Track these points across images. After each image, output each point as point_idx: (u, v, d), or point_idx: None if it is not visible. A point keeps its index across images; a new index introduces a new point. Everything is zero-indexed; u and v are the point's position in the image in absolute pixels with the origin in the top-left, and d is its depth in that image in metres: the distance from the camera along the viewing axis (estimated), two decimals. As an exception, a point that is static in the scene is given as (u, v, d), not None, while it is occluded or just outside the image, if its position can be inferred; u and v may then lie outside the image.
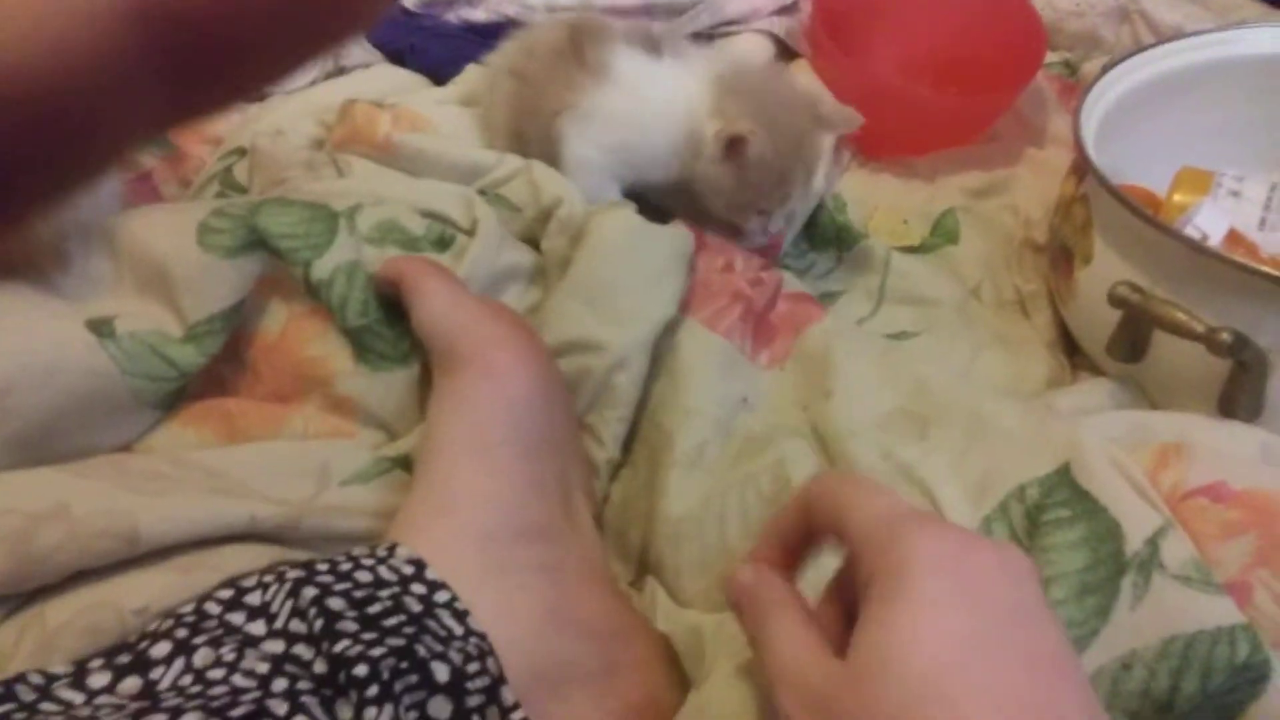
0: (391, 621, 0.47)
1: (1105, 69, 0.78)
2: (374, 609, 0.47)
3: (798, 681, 0.40)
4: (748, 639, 0.46)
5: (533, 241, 0.74)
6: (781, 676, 0.41)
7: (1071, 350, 0.77)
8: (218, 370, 0.62)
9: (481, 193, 0.74)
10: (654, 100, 0.74)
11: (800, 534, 0.47)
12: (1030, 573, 0.41)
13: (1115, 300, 0.63)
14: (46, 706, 0.43)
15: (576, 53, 0.74)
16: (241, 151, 0.81)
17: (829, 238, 0.84)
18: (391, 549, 0.51)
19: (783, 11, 0.98)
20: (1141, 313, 0.62)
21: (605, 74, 0.73)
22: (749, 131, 0.69)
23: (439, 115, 0.83)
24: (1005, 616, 0.38)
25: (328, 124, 0.83)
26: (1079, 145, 0.70)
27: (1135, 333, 0.65)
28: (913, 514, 0.41)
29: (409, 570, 0.50)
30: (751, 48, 0.96)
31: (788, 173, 0.72)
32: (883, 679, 0.37)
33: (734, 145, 0.70)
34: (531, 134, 0.77)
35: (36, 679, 0.44)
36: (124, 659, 0.46)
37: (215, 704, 0.42)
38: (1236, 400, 0.61)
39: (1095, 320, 0.69)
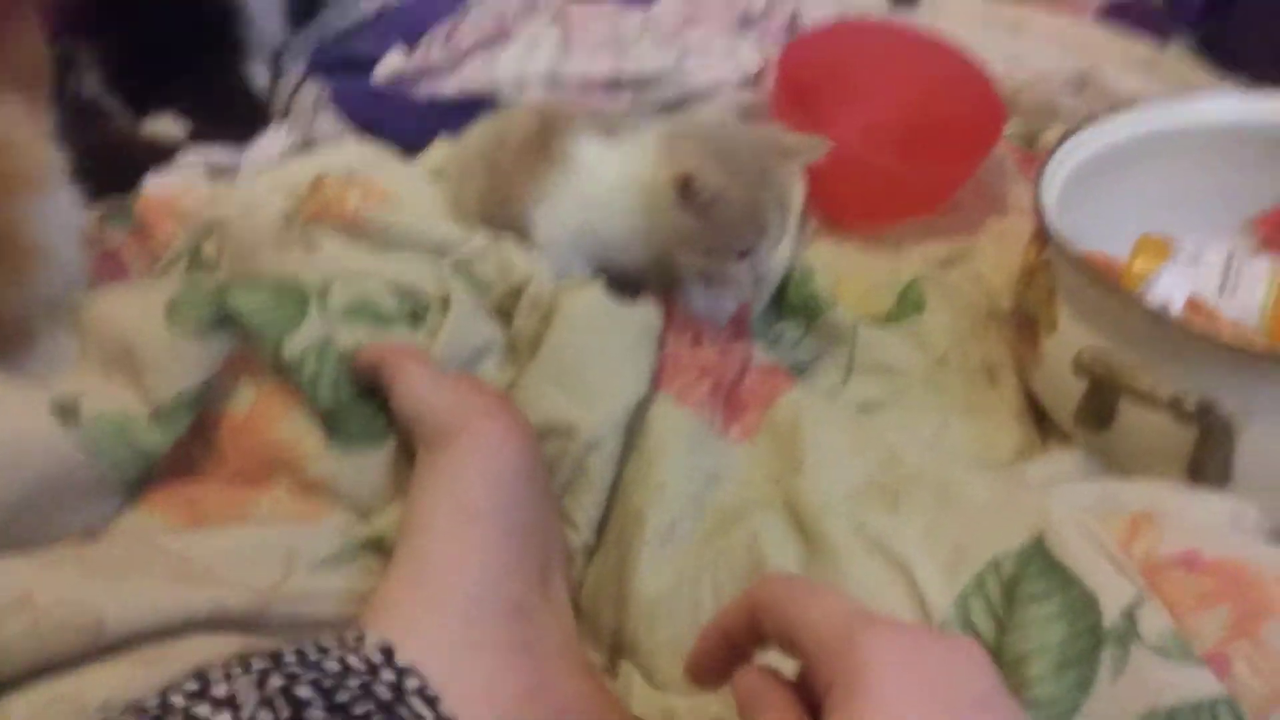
0: (360, 710, 0.46)
1: (1064, 137, 0.79)
2: (342, 698, 0.46)
3: None
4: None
5: (503, 317, 0.74)
6: None
7: (1040, 418, 0.78)
8: (184, 451, 0.61)
9: (452, 268, 0.74)
10: (610, 180, 0.74)
11: (746, 635, 0.46)
12: (988, 664, 0.40)
13: (1080, 368, 0.63)
14: None
15: (543, 144, 0.75)
16: (210, 228, 0.81)
17: (796, 307, 0.84)
18: (360, 637, 0.50)
19: (747, 83, 1.00)
20: (1107, 381, 0.63)
21: (567, 162, 0.74)
22: (694, 167, 0.67)
23: (407, 190, 0.83)
24: (966, 706, 0.38)
25: (299, 198, 0.83)
26: (1039, 213, 0.71)
27: (1101, 401, 0.66)
28: (864, 615, 0.41)
29: (378, 658, 0.49)
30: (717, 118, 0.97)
31: (756, 205, 0.70)
32: None
33: (685, 186, 0.68)
34: (503, 222, 0.77)
35: None
36: None
37: None
38: (1204, 467, 0.62)
39: (1062, 388, 0.70)
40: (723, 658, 0.47)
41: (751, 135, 0.73)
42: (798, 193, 0.89)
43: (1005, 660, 0.52)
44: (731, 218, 0.69)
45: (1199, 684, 0.48)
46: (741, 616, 0.46)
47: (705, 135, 0.72)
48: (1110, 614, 0.51)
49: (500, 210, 0.77)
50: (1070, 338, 0.68)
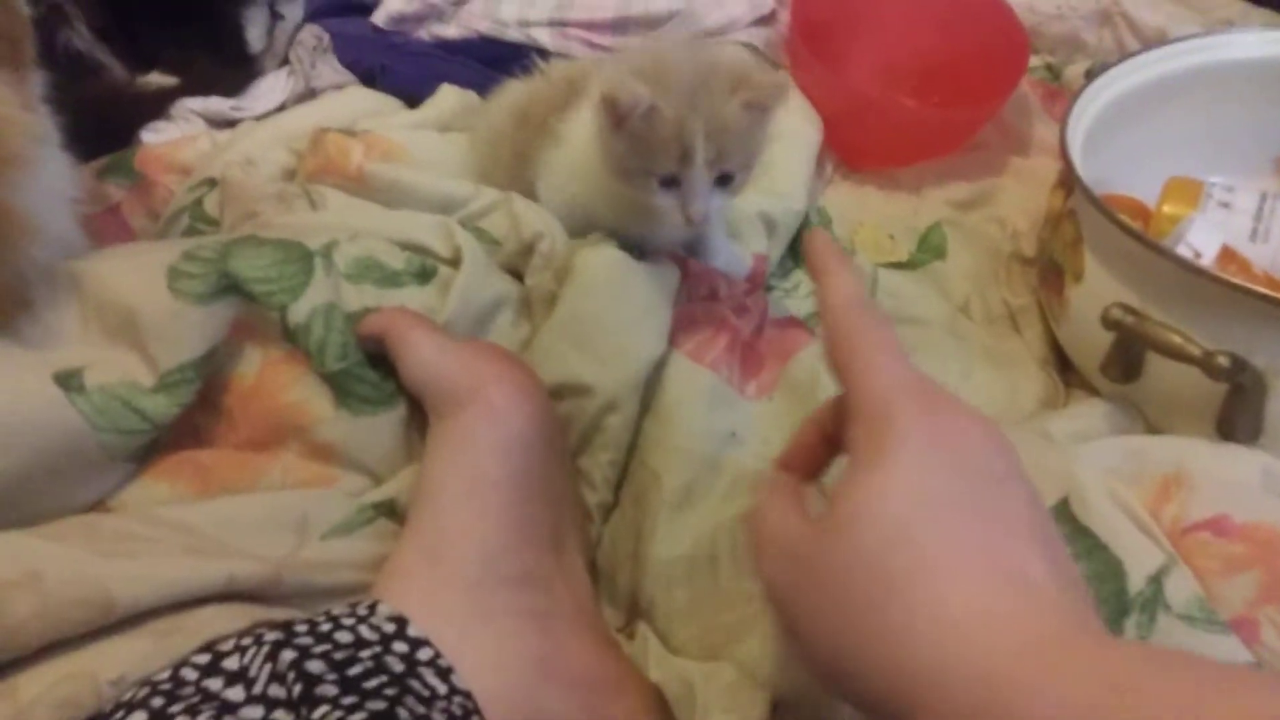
0: (373, 683, 0.46)
1: (1090, 77, 0.76)
2: (354, 670, 0.46)
3: (776, 542, 0.41)
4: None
5: (514, 273, 0.72)
6: (762, 544, 0.42)
7: (1064, 365, 0.76)
8: (191, 419, 0.60)
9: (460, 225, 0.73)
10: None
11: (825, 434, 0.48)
12: (1012, 448, 0.41)
13: (1109, 323, 0.61)
14: None
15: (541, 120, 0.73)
16: (211, 182, 0.79)
17: (814, 255, 0.82)
18: (372, 607, 0.50)
19: (760, 22, 0.97)
20: (1136, 335, 0.61)
21: (559, 137, 0.72)
22: (615, 85, 0.61)
23: (413, 141, 0.81)
24: (981, 480, 0.39)
25: (299, 152, 0.81)
26: (1067, 160, 0.69)
27: (1129, 353, 0.64)
28: (911, 386, 0.41)
29: (390, 628, 0.49)
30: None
31: (681, 127, 0.61)
32: (854, 527, 0.37)
33: (605, 104, 0.62)
34: (528, 193, 0.76)
35: None
36: (105, 716, 0.44)
37: None
38: (1235, 422, 0.60)
39: (1087, 339, 0.68)
40: (816, 451, 0.49)
41: (702, 63, 0.65)
42: (810, 136, 0.87)
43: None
44: (651, 138, 0.62)
45: (1226, 651, 0.48)
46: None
47: (644, 59, 0.65)
48: (1137, 580, 0.50)
49: (524, 183, 0.76)
50: (1097, 289, 0.66)
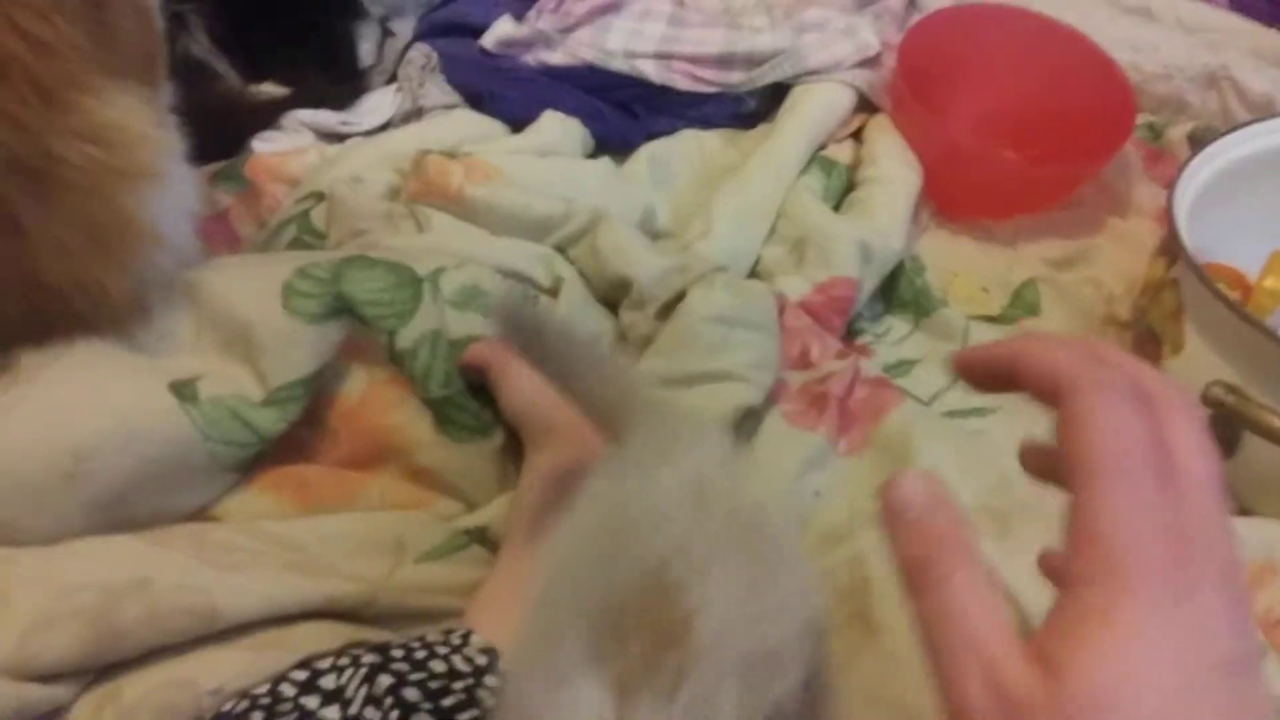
0: (466, 716, 0.47)
1: (1194, 141, 0.76)
2: (448, 702, 0.47)
3: (990, 675, 0.33)
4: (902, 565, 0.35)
5: (609, 303, 0.74)
6: (969, 657, 0.33)
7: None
8: (295, 434, 0.62)
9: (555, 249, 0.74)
10: None
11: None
12: (1254, 631, 0.33)
13: (1209, 401, 0.61)
14: None
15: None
16: (319, 196, 0.81)
17: (906, 302, 0.83)
18: (465, 637, 0.51)
19: (865, 64, 0.97)
20: (1236, 415, 0.60)
21: None
22: None
23: (512, 165, 0.82)
24: (1224, 669, 0.31)
25: (404, 172, 0.83)
26: (1172, 230, 0.68)
27: (1226, 431, 0.63)
28: (1157, 533, 0.33)
29: (483, 660, 0.50)
30: (833, 98, 0.95)
31: None
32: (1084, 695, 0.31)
33: None
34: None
35: None
36: None
37: None
38: (1331, 510, 0.59)
39: (1184, 412, 0.67)
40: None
41: None
42: (910, 180, 0.87)
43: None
44: None
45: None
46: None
47: None
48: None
49: None
50: (1197, 361, 0.66)
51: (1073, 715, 0.31)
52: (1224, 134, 0.77)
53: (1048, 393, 0.34)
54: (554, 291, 0.70)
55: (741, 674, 0.36)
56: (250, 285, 0.63)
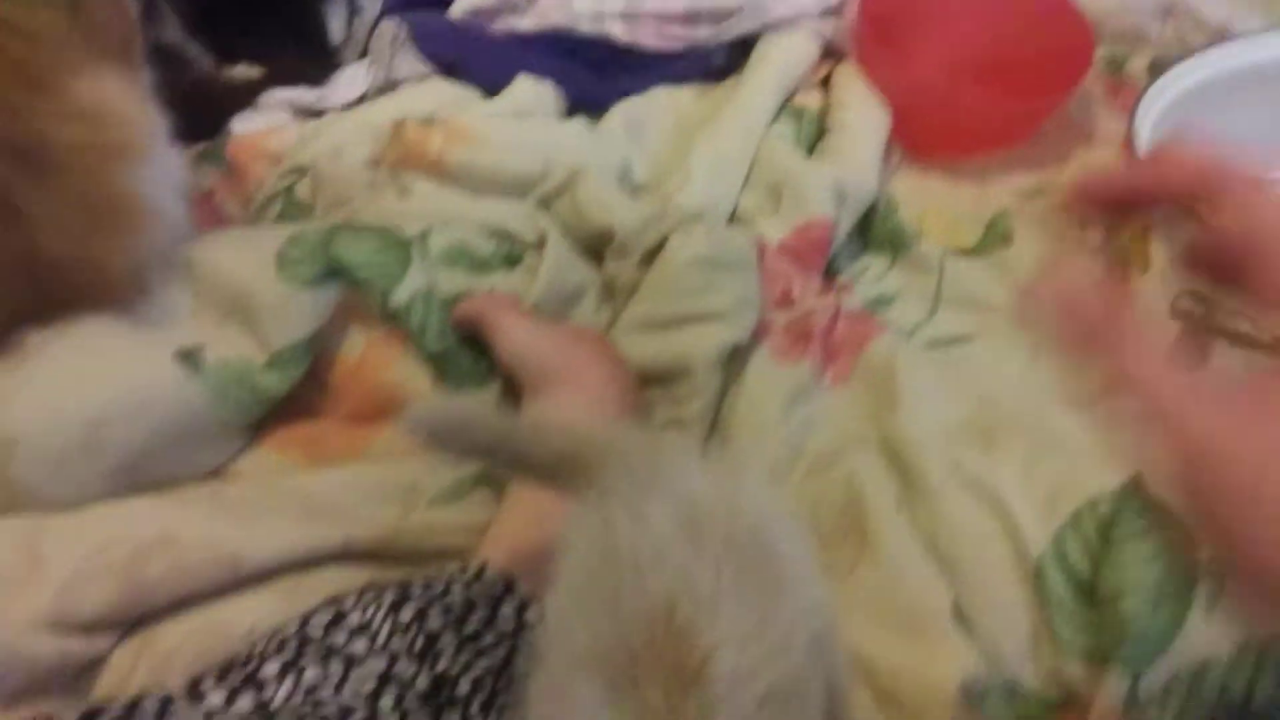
0: (487, 640, 0.49)
1: (1153, 71, 0.78)
2: (469, 629, 0.49)
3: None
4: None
5: (593, 255, 0.75)
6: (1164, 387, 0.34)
7: (1128, 352, 0.78)
8: (300, 395, 0.64)
9: (537, 205, 0.76)
10: None
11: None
12: None
13: (1178, 313, 0.63)
14: None
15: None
16: (302, 170, 0.83)
17: (882, 240, 0.85)
18: (481, 569, 0.53)
19: (828, 13, 0.99)
20: (1205, 324, 0.63)
21: None
22: None
23: (489, 128, 0.84)
24: None
25: (383, 141, 0.84)
26: (1132, 151, 0.71)
27: (1197, 340, 0.66)
28: None
29: (499, 589, 0.52)
30: (799, 47, 0.96)
31: None
32: None
33: None
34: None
35: (155, 701, 0.46)
36: (237, 678, 0.48)
37: (333, 705, 0.44)
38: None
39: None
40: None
41: None
42: (879, 120, 0.89)
43: (1100, 597, 0.54)
44: None
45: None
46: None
47: None
48: (1205, 551, 0.53)
49: None
50: (1165, 279, 0.68)
51: None
52: (1179, 61, 0.79)
53: (1193, 194, 0.37)
54: (539, 246, 0.72)
55: (765, 706, 0.37)
56: (245, 256, 0.65)
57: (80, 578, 0.50)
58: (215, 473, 0.62)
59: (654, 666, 0.37)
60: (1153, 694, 0.52)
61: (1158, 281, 0.69)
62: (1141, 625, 0.52)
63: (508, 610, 0.51)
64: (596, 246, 0.75)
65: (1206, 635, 0.51)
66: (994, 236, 0.86)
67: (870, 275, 0.83)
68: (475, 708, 0.46)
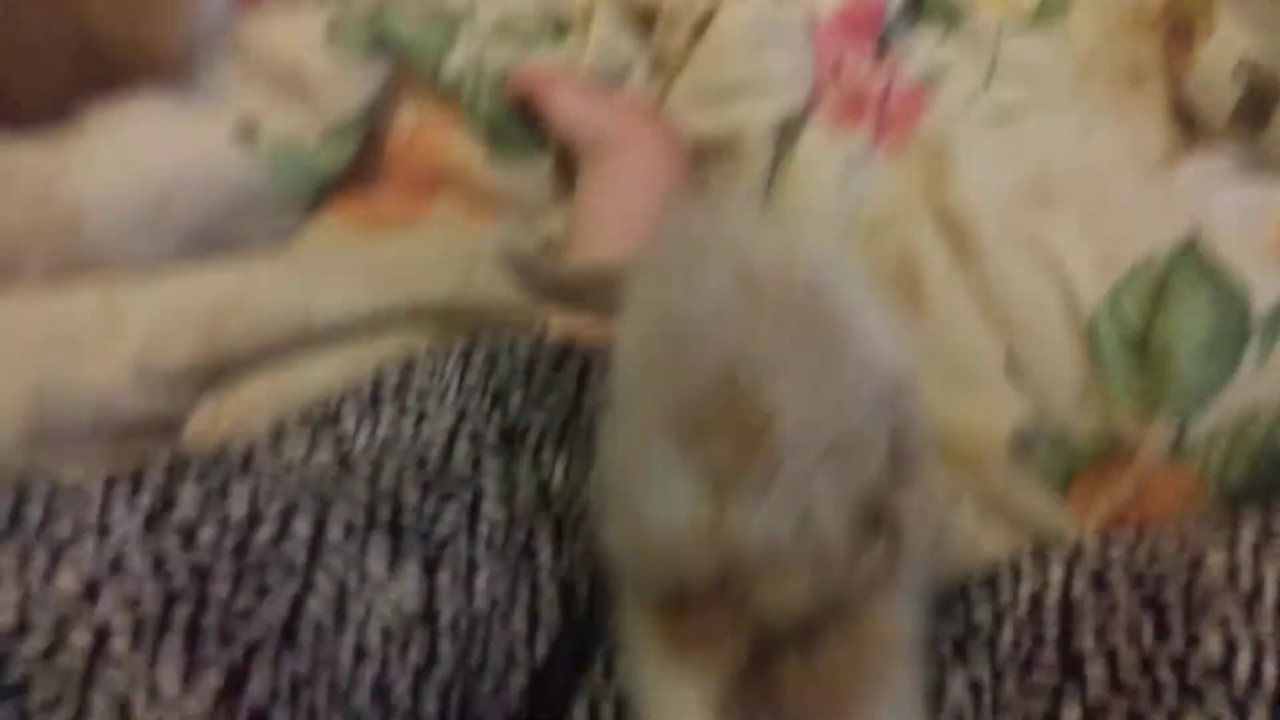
0: (552, 397, 0.51)
1: None
2: (535, 385, 0.51)
3: None
4: None
5: (644, 26, 0.74)
6: None
7: (1186, 122, 0.76)
8: (356, 169, 0.65)
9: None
10: None
11: None
12: None
13: (1239, 74, 0.62)
14: (254, 466, 0.48)
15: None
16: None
17: (936, 11, 0.82)
18: (545, 327, 0.54)
19: None
20: (1268, 85, 0.61)
21: None
22: None
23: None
24: None
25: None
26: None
27: (1259, 103, 0.64)
28: None
29: (560, 348, 0.53)
30: None
31: None
32: None
33: None
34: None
35: (240, 448, 0.49)
36: (317, 428, 0.50)
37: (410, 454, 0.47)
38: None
39: (1216, 94, 0.68)
40: None
41: None
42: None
43: (1151, 351, 0.55)
44: None
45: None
46: None
47: None
48: (1260, 305, 0.53)
49: None
50: (1229, 42, 0.66)
51: None
52: None
53: None
54: (588, 17, 0.70)
55: (830, 461, 0.37)
56: (293, 30, 0.65)
57: (161, 334, 0.53)
58: (279, 243, 0.64)
59: (720, 423, 0.37)
60: (1199, 442, 0.53)
61: (1220, 44, 0.67)
62: (1192, 375, 0.53)
63: (571, 369, 0.52)
64: (646, 18, 0.73)
65: (1258, 385, 0.52)
66: (1051, 5, 0.83)
67: (924, 47, 0.81)
68: (546, 454, 0.48)
